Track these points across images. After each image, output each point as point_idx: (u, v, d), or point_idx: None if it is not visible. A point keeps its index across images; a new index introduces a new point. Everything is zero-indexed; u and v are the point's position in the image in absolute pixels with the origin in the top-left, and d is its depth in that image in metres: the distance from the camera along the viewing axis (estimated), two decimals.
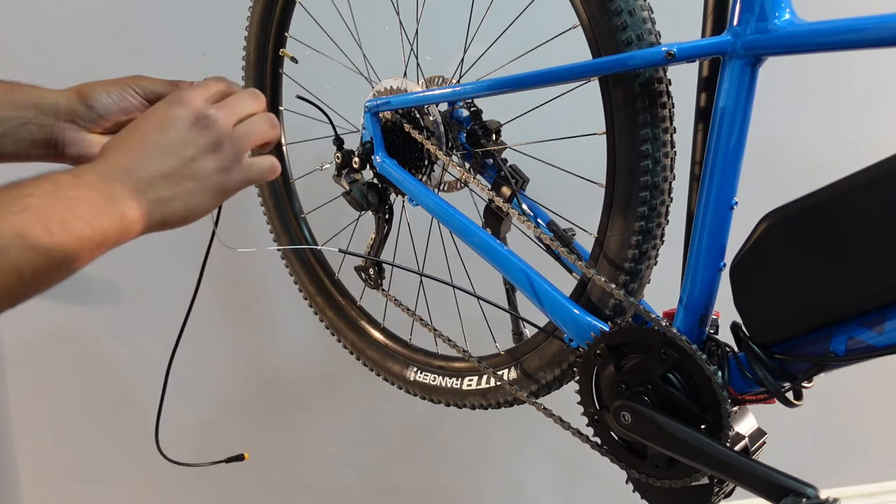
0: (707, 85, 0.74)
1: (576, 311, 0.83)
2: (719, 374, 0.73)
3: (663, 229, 0.82)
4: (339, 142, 1.06)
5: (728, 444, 0.73)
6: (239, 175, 0.66)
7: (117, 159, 0.58)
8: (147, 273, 1.51)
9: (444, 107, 1.00)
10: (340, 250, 0.97)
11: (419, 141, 0.97)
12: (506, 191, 0.93)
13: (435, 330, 1.02)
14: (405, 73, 1.03)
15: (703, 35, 0.74)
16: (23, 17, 1.37)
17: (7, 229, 0.48)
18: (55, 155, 0.73)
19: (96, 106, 0.72)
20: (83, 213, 0.53)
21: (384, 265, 1.10)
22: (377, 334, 1.17)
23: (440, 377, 1.05)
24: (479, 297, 0.93)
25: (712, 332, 0.78)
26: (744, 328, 0.73)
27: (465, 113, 1.00)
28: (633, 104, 0.76)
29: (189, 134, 0.62)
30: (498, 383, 0.97)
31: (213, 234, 0.78)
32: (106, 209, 0.54)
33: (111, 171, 0.57)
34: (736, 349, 0.75)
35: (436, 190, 1.03)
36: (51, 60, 1.37)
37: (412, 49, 1.04)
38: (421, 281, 1.09)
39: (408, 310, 1.06)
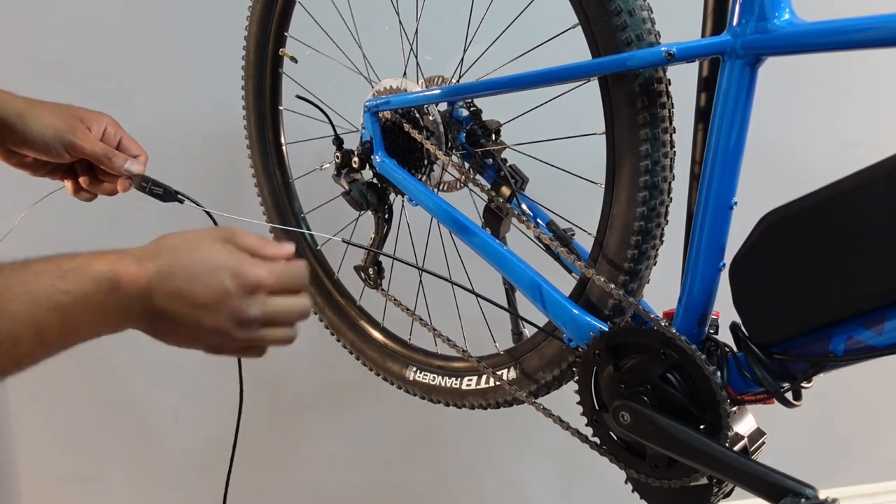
0: (707, 85, 0.74)
1: (575, 311, 0.83)
2: (718, 374, 0.73)
3: (663, 229, 0.82)
4: (338, 141, 1.06)
5: (727, 445, 0.73)
6: (234, 354, 0.67)
7: (164, 295, 0.60)
8: None
9: (443, 106, 1.00)
10: (343, 240, 0.96)
11: (419, 141, 0.97)
12: (505, 191, 0.93)
13: (434, 330, 1.02)
14: (405, 73, 1.03)
15: (703, 35, 0.74)
16: (22, 18, 1.37)
17: (30, 325, 0.51)
18: None
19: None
20: (97, 323, 0.57)
21: (383, 266, 1.10)
22: (376, 334, 1.17)
23: (439, 377, 1.05)
24: (477, 295, 0.93)
25: (712, 332, 0.78)
26: (743, 328, 0.73)
27: (465, 113, 1.00)
28: (632, 104, 0.76)
29: (221, 320, 0.62)
30: (497, 383, 0.96)
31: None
32: (117, 325, 0.59)
33: (149, 300, 0.59)
34: (735, 349, 0.75)
35: (435, 190, 1.03)
36: (50, 60, 1.37)
37: (412, 49, 1.04)
38: (420, 280, 1.09)
39: (407, 309, 1.06)
